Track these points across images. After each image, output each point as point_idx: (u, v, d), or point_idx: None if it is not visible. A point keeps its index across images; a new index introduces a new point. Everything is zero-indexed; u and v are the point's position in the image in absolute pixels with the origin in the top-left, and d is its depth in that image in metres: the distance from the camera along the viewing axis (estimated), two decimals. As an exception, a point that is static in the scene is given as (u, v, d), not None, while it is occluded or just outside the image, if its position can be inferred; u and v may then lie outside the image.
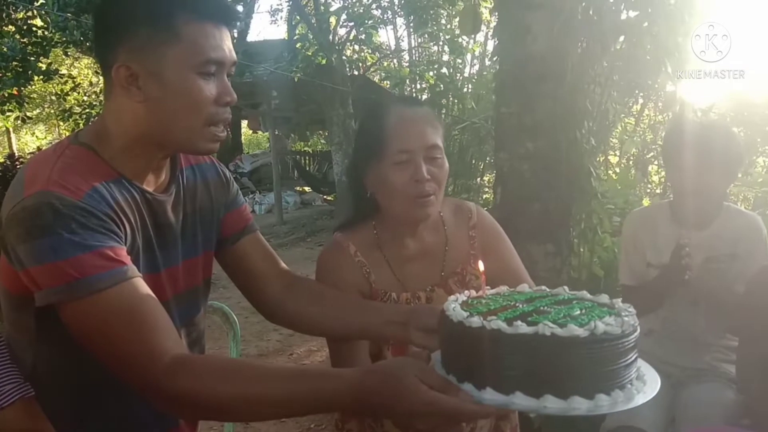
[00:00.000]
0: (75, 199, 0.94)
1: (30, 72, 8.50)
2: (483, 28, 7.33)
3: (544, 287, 1.06)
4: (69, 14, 7.67)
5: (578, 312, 0.88)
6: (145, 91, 1.01)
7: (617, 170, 5.90)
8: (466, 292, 1.01)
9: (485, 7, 6.41)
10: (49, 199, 0.93)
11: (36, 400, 1.06)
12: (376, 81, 12.12)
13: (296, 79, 9.48)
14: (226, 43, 1.05)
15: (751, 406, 1.71)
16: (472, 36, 8.90)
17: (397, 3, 11.17)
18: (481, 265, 1.03)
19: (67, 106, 11.48)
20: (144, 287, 0.97)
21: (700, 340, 1.94)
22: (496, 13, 3.29)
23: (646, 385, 0.85)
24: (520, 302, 0.95)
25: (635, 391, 0.82)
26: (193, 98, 1.02)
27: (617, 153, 5.95)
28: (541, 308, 0.91)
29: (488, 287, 1.03)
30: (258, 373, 0.94)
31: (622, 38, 2.79)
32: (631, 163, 6.43)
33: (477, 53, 10.76)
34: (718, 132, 1.94)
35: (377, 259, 1.40)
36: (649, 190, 6.64)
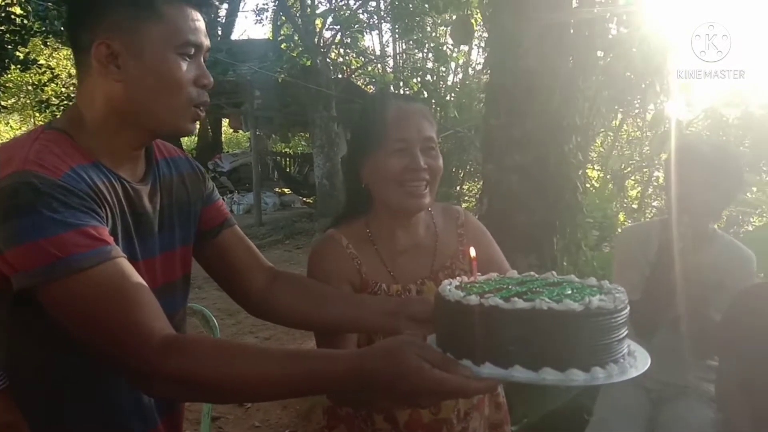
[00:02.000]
0: (54, 178, 0.92)
1: (7, 60, 8.37)
2: (469, 38, 7.38)
3: (532, 273, 1.08)
4: (50, 3, 7.54)
5: (570, 291, 0.91)
6: (125, 69, 1.00)
7: (596, 184, 5.98)
8: (458, 278, 1.03)
9: (475, 18, 6.46)
10: (27, 178, 0.90)
11: (8, 392, 1.02)
12: (360, 85, 12.11)
13: (280, 80, 9.42)
14: (202, 28, 1.06)
15: (729, 424, 1.73)
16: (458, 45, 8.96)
17: (383, 8, 11.20)
18: (472, 251, 1.04)
19: (44, 96, 11.29)
20: (129, 267, 0.94)
21: (683, 358, 1.95)
22: (487, 25, 3.30)
23: (637, 360, 0.87)
24: (512, 285, 0.97)
25: (628, 365, 0.85)
26: (173, 78, 1.02)
27: (596, 167, 6.02)
28: (534, 289, 0.93)
29: (479, 273, 1.04)
30: (257, 354, 0.92)
31: (611, 54, 2.83)
32: (608, 177, 6.52)
33: (461, 62, 10.84)
34: (722, 153, 1.93)
35: (369, 252, 1.41)
36: (625, 205, 6.73)
